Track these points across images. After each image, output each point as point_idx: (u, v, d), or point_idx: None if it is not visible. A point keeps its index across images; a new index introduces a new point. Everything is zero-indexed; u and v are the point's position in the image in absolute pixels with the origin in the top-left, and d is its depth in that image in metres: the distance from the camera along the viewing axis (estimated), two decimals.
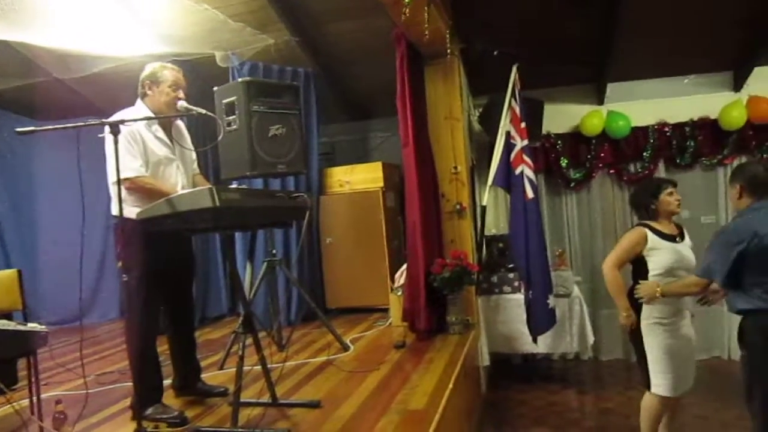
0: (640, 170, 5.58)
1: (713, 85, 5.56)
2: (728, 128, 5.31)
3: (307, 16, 4.79)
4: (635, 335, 3.14)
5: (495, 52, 4.60)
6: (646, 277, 3.08)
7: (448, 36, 4.04)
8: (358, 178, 5.54)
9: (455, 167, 4.50)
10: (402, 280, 4.54)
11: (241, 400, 2.65)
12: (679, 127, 5.49)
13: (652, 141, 5.51)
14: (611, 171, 5.68)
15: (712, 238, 2.72)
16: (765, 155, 5.29)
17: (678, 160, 5.51)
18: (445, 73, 4.53)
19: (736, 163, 5.30)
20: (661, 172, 5.56)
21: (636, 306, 3.10)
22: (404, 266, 4.53)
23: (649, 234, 3.08)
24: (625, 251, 3.13)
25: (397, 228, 5.58)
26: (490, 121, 4.84)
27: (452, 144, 4.53)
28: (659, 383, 3.08)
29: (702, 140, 5.43)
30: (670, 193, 3.13)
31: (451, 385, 3.14)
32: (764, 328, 2.53)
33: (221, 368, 3.75)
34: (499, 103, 4.57)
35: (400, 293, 4.53)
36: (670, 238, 3.11)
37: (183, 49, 4.58)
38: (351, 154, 6.14)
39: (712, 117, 5.40)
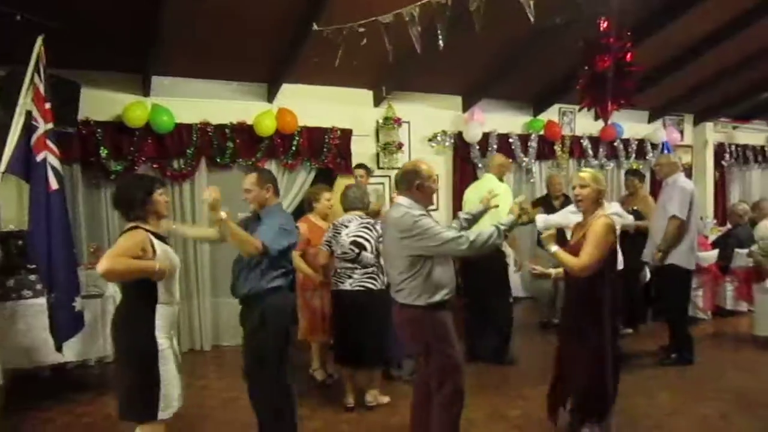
0: (183, 167, 5.66)
1: (251, 93, 6.12)
2: (262, 134, 5.91)
3: None
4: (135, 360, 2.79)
5: (18, 17, 3.92)
6: (152, 285, 2.82)
7: None
8: None
9: None
10: None
11: None
12: (220, 128, 5.79)
13: (195, 139, 5.65)
14: (155, 165, 5.54)
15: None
16: (289, 161, 6.10)
17: (218, 160, 5.80)
18: None
19: (267, 165, 5.90)
20: (202, 170, 5.78)
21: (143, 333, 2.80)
22: None
23: (150, 237, 2.82)
24: (127, 252, 2.71)
25: None
26: (8, 97, 4.09)
27: None
28: (168, 405, 2.84)
29: (240, 143, 5.87)
30: (161, 194, 2.96)
31: None
32: None
33: None
34: (21, 78, 3.91)
35: None
36: (163, 239, 2.94)
37: None
38: None
39: (249, 122, 5.90)
